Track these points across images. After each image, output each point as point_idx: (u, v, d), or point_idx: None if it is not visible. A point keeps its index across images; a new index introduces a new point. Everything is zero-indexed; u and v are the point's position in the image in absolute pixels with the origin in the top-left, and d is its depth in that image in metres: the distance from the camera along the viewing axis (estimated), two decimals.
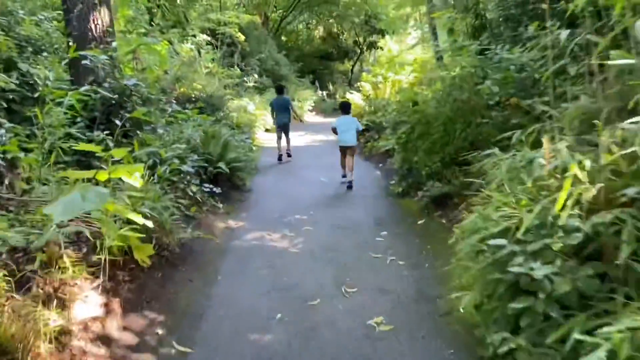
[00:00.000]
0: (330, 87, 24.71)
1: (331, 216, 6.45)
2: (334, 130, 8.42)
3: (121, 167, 3.10)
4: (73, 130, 5.04)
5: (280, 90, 10.73)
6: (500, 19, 7.66)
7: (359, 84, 13.87)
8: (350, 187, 7.83)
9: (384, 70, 14.19)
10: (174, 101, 8.98)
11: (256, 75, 16.87)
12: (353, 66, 28.49)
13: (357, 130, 8.30)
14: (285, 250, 5.23)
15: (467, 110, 6.09)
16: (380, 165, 9.60)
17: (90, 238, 3.52)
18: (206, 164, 6.84)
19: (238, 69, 16.47)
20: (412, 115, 6.98)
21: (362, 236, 5.66)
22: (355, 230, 5.89)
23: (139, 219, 3.23)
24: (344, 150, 8.18)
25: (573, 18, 4.32)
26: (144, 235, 3.87)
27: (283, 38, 27.31)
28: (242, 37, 15.64)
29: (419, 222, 6.03)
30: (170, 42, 13.76)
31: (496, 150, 4.30)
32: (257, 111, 13.92)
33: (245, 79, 15.91)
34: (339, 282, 4.35)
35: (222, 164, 6.85)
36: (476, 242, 3.26)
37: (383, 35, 25.01)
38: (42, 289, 2.96)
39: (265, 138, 13.52)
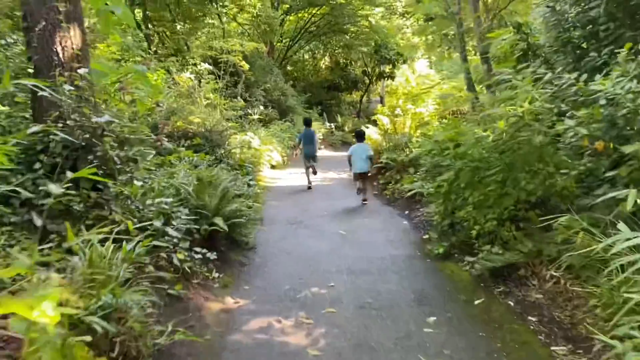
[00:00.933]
0: (339, 118, 23.52)
1: (357, 288, 5.02)
2: (349, 159, 9.29)
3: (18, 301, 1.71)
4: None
5: (308, 123, 11.69)
6: (556, 42, 6.38)
7: (375, 116, 12.57)
8: (365, 203, 9.03)
9: (401, 101, 12.95)
10: (166, 139, 7.68)
11: (261, 107, 15.67)
12: (362, 97, 27.40)
13: (370, 157, 9.11)
14: (301, 351, 3.78)
15: (534, 156, 4.74)
16: (407, 212, 8.20)
17: None
18: (199, 219, 5.47)
19: (241, 100, 15.27)
20: (456, 159, 5.63)
21: (403, 323, 4.22)
22: (391, 313, 4.44)
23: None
24: (358, 176, 9.23)
25: None
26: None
27: (289, 68, 26.33)
28: (246, 66, 14.49)
29: (476, 302, 4.58)
30: (169, 71, 12.61)
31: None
32: (262, 146, 12.63)
33: (249, 110, 14.68)
34: None
35: (219, 220, 5.47)
36: None
37: (394, 65, 23.96)
38: None
39: (272, 176, 12.17)
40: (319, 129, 19.15)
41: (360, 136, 9.52)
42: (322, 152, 19.00)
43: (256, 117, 14.41)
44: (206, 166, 8.00)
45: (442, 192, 5.76)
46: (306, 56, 28.14)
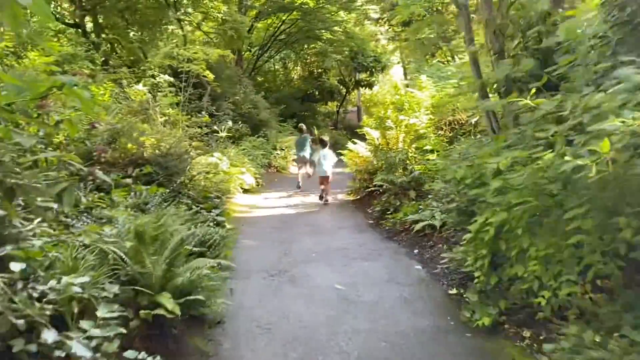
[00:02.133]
0: (315, 131, 21.81)
1: None
2: (312, 164, 11.45)
3: None
4: None
5: (300, 130, 13.31)
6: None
7: (363, 129, 10.89)
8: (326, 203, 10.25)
9: (390, 111, 11.34)
10: (100, 171, 5.83)
11: (230, 122, 13.85)
12: (339, 107, 25.79)
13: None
14: None
15: None
16: (416, 251, 6.50)
17: None
18: (137, 297, 3.66)
19: (206, 115, 13.44)
20: (505, 193, 3.98)
21: None
22: None
23: None
24: (322, 180, 10.41)
25: None
26: None
27: (259, 79, 24.54)
28: (211, 76, 12.66)
29: None
30: (121, 85, 10.73)
31: None
32: (232, 168, 10.83)
33: (216, 127, 12.86)
34: None
35: (166, 299, 3.66)
36: None
37: (371, 73, 22.47)
38: None
39: (245, 203, 10.37)
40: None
41: (322, 142, 10.86)
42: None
43: (224, 134, 12.57)
44: (158, 204, 6.20)
45: (485, 240, 4.09)
46: (277, 66, 26.43)
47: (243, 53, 20.85)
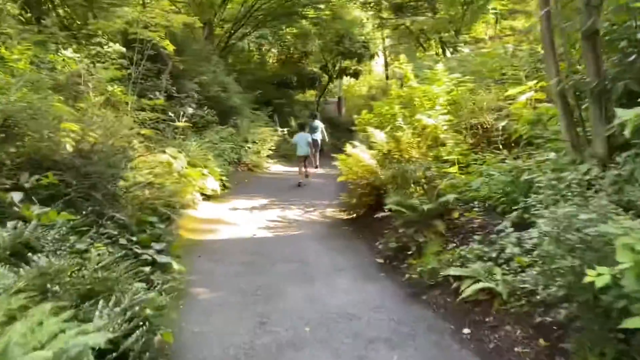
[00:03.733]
0: (293, 122, 19.30)
1: None
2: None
3: None
4: None
5: (301, 127, 13.82)
6: None
7: (363, 129, 8.37)
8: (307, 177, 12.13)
9: (396, 107, 8.99)
10: None
11: (191, 108, 11.20)
12: (319, 97, 23.24)
13: (308, 143, 12.13)
14: None
15: None
16: (468, 333, 4.16)
17: None
18: None
19: (161, 97, 10.77)
20: None
21: None
22: None
23: None
24: (302, 158, 12.10)
25: None
26: None
27: (230, 60, 21.68)
28: (171, 47, 9.95)
29: None
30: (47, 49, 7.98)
31: None
32: (190, 169, 8.27)
33: (173, 113, 10.20)
34: None
35: None
36: None
37: (359, 60, 20.03)
38: None
39: (204, 217, 7.87)
40: (271, 136, 14.91)
41: (301, 127, 13.42)
42: (274, 167, 14.81)
43: (182, 122, 9.90)
44: (58, 241, 3.68)
45: None
46: (251, 46, 23.58)
47: (214, 26, 18.04)
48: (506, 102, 8.95)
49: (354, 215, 8.04)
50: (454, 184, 6.40)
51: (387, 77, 28.13)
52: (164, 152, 7.61)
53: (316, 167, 13.87)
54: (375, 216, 6.95)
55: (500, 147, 8.08)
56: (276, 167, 14.75)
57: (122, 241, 4.37)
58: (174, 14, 11.03)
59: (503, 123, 8.32)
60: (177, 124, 9.60)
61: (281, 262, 5.94)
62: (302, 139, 12.07)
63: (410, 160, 7.25)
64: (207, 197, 8.88)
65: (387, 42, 28.65)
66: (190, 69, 13.40)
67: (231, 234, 7.09)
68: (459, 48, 17.97)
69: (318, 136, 13.86)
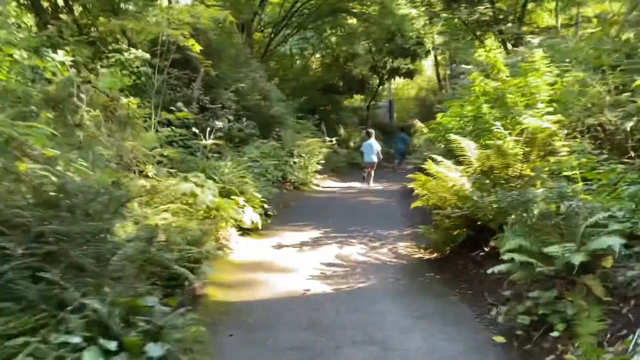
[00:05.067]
0: (342, 130, 17.36)
1: None
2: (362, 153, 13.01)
3: None
4: None
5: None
6: None
7: (452, 137, 6.16)
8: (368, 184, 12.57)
9: (484, 107, 6.91)
10: None
11: (226, 119, 9.46)
12: (370, 101, 21.18)
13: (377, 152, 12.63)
14: None
15: None
16: None
17: None
18: None
19: (196, 109, 9.12)
20: None
21: None
22: None
23: None
24: (368, 165, 12.73)
25: None
26: None
27: (272, 65, 20.01)
28: (197, 47, 8.19)
29: None
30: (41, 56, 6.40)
31: None
32: (223, 199, 6.43)
33: (196, 130, 8.43)
34: None
35: None
36: None
37: (413, 59, 17.90)
38: None
39: (242, 261, 6.02)
40: (320, 148, 13.03)
41: (368, 135, 13.39)
42: (324, 183, 12.93)
43: (209, 141, 8.06)
44: None
45: None
46: (294, 50, 21.83)
47: (253, 30, 16.41)
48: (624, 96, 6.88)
49: (440, 254, 5.98)
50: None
51: (438, 78, 25.90)
52: (186, 178, 5.81)
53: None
54: (474, 257, 4.88)
55: (632, 154, 6.03)
56: (327, 184, 12.87)
57: (89, 355, 2.55)
58: (203, 8, 9.31)
59: (631, 123, 6.24)
60: (204, 142, 7.80)
61: (349, 344, 3.96)
62: (368, 148, 12.44)
63: (522, 177, 5.13)
64: (245, 232, 7.06)
65: (438, 39, 26.48)
66: (226, 77, 11.76)
67: (276, 291, 5.18)
68: (528, 39, 16.07)
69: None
